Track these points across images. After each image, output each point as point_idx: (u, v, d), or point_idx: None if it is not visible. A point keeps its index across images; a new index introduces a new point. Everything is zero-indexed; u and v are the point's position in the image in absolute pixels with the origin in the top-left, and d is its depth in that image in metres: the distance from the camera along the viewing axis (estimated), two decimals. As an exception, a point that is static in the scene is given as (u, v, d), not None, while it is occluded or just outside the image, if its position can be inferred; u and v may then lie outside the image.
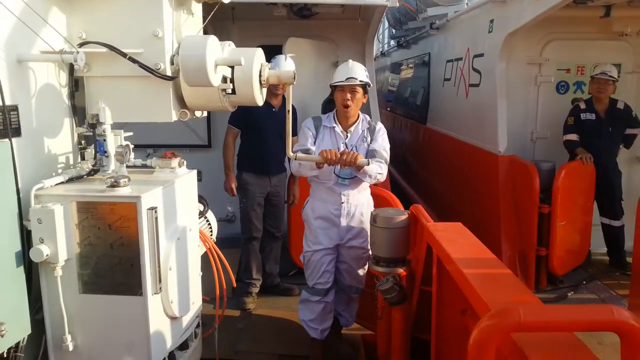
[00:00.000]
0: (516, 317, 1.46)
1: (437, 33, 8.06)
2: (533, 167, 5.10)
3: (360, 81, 3.42)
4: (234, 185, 4.71)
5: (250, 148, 4.74)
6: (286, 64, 4.57)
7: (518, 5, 5.05)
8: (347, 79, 3.41)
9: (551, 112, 5.83)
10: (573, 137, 5.45)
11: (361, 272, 3.68)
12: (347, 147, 3.43)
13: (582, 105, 5.52)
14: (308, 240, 3.64)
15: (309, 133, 3.50)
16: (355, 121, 3.54)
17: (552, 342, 1.57)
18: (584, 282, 5.30)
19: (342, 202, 3.51)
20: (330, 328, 3.78)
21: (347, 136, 3.51)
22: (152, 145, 5.85)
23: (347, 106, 3.41)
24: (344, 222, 3.54)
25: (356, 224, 3.56)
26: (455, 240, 2.57)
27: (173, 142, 6.10)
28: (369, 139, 3.51)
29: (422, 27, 9.20)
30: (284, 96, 4.92)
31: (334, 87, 3.51)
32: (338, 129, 3.51)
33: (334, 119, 3.55)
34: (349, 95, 3.40)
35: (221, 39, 2.42)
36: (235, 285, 3.06)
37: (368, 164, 3.26)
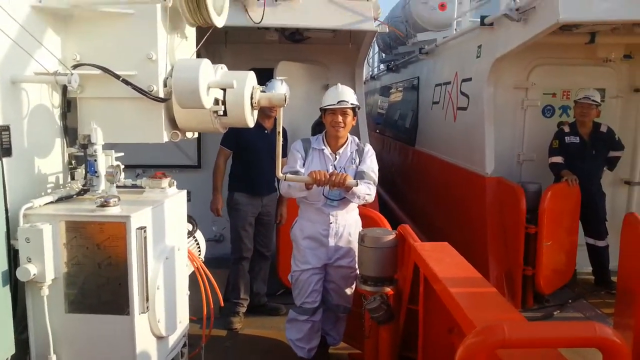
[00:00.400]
0: (501, 334, 1.47)
1: (426, 58, 8.21)
2: (520, 189, 5.17)
3: (352, 104, 3.49)
4: (219, 207, 4.73)
5: (242, 169, 4.77)
6: (281, 87, 4.64)
7: (505, 31, 5.18)
8: (338, 102, 3.47)
9: (537, 135, 5.94)
10: (558, 159, 5.55)
11: (349, 291, 3.69)
12: (335, 169, 3.47)
13: (567, 129, 5.63)
14: (296, 260, 3.64)
15: (298, 155, 3.55)
16: (344, 143, 3.59)
17: (536, 359, 1.58)
18: (570, 301, 5.33)
19: (331, 223, 3.54)
20: (317, 347, 3.75)
21: (336, 158, 3.55)
22: (142, 166, 5.85)
23: (338, 129, 3.47)
24: (332, 242, 3.56)
25: (344, 243, 3.59)
26: (442, 260, 2.59)
27: (163, 162, 6.09)
28: (357, 160, 3.56)
29: (411, 51, 9.37)
30: (276, 118, 4.97)
31: (324, 110, 3.57)
32: (327, 151, 3.56)
33: (323, 141, 3.60)
34: (340, 118, 3.46)
35: (214, 61, 2.46)
36: (222, 304, 3.04)
37: (357, 185, 3.31)
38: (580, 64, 5.86)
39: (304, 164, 3.54)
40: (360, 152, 3.59)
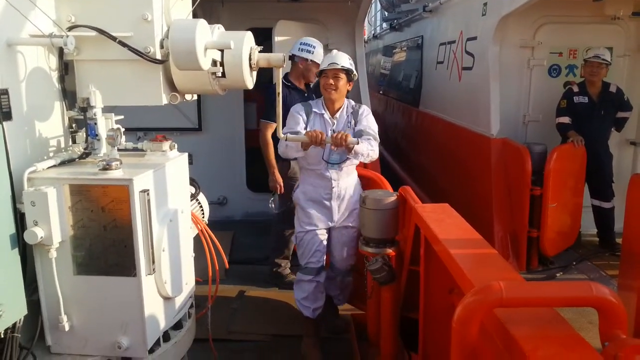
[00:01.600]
0: (498, 294, 1.52)
1: (430, 16, 8.05)
2: (525, 150, 5.18)
3: (342, 67, 3.52)
4: (281, 183, 4.82)
5: None
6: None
7: (512, -13, 5.08)
8: (329, 64, 3.53)
9: (543, 96, 5.90)
10: (566, 119, 5.52)
11: (353, 252, 3.77)
12: (334, 133, 3.49)
13: (575, 89, 5.58)
14: (300, 221, 3.74)
15: (299, 118, 3.59)
16: (341, 107, 3.66)
17: (533, 318, 1.63)
18: (574, 263, 5.42)
19: (333, 187, 3.62)
20: (323, 307, 3.85)
21: (334, 123, 3.63)
22: (142, 129, 5.86)
23: (330, 91, 3.53)
24: (335, 205, 3.65)
25: (346, 205, 3.67)
26: (442, 221, 2.63)
27: (163, 125, 6.10)
28: (353, 122, 3.62)
29: (415, 9, 9.18)
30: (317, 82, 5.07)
31: (319, 75, 3.64)
32: (327, 115, 3.63)
33: (323, 106, 3.66)
34: (331, 80, 3.52)
35: (210, 21, 2.43)
36: (227, 266, 3.11)
37: (357, 143, 3.36)
38: (588, 22, 5.76)
39: (305, 127, 3.57)
40: (355, 114, 3.65)
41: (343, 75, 3.54)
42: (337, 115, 3.64)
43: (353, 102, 3.74)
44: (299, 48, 4.84)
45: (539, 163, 5.15)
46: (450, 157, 6.73)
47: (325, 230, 3.72)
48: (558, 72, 5.97)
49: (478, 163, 5.79)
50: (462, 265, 2.03)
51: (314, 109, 3.64)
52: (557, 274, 5.22)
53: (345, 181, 3.66)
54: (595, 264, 5.46)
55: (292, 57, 4.81)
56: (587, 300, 1.57)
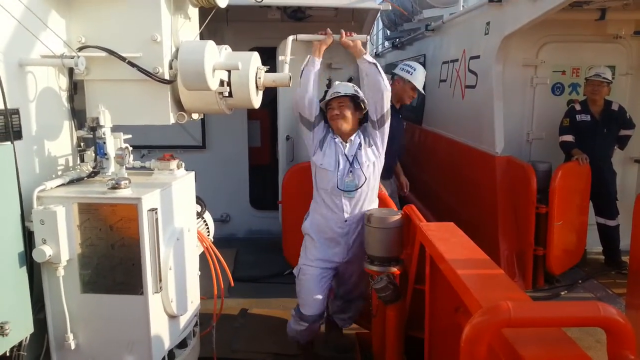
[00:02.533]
0: (506, 314, 1.52)
1: (432, 35, 8.14)
2: (530, 168, 5.19)
3: (345, 94, 3.39)
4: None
5: None
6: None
7: (514, 8, 5.14)
8: (332, 94, 3.44)
9: (547, 114, 5.94)
10: (569, 138, 5.55)
11: (363, 279, 3.64)
12: (348, 159, 3.39)
13: (578, 107, 5.62)
14: (307, 253, 3.53)
15: (319, 131, 3.46)
16: (354, 134, 3.48)
17: (541, 338, 1.64)
18: (580, 281, 5.39)
19: (345, 220, 3.41)
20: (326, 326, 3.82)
21: (346, 146, 3.44)
22: (147, 146, 5.91)
23: (337, 120, 3.38)
24: (344, 242, 3.47)
25: (355, 237, 3.48)
26: (448, 240, 2.64)
27: (168, 143, 6.14)
28: (363, 139, 3.46)
29: (417, 28, 9.27)
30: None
31: (326, 109, 3.49)
32: (338, 139, 3.45)
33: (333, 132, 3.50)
34: (336, 111, 3.39)
35: (215, 40, 2.48)
36: (232, 284, 3.12)
37: (366, 41, 3.29)
38: (590, 41, 5.82)
39: (321, 145, 3.42)
40: (363, 130, 3.51)
41: (349, 103, 3.40)
42: (352, 138, 3.45)
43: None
44: (401, 67, 5.15)
45: (544, 181, 5.16)
46: (454, 175, 6.74)
47: (332, 269, 3.53)
48: (561, 90, 6.02)
49: (483, 181, 5.81)
50: (468, 284, 2.04)
51: (330, 133, 3.47)
52: (562, 293, 5.19)
53: (360, 213, 3.43)
54: (602, 282, 5.43)
55: (392, 76, 5.09)
56: (595, 321, 1.57)
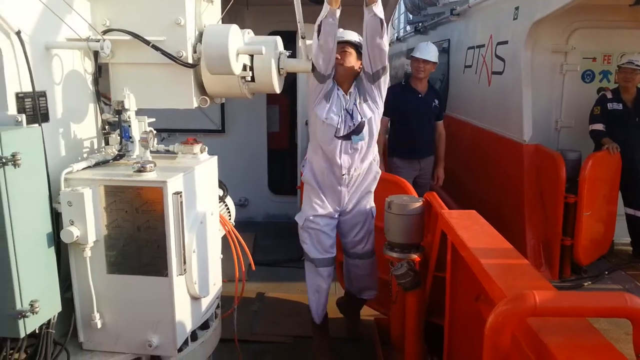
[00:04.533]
0: (532, 302, 1.53)
1: (457, 19, 8.03)
2: (559, 157, 5.14)
3: (349, 40, 3.43)
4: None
5: (400, 134, 5.14)
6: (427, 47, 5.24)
7: (545, -8, 5.05)
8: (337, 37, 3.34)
9: (576, 101, 5.84)
10: (599, 126, 5.46)
11: (366, 235, 3.70)
12: (348, 112, 3.40)
13: (609, 95, 5.52)
14: (313, 202, 3.58)
15: (325, 85, 3.40)
16: (352, 84, 3.50)
17: (566, 328, 1.64)
18: (607, 273, 5.36)
19: (343, 174, 3.48)
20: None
21: (347, 100, 3.45)
22: (167, 130, 5.97)
23: (339, 63, 3.38)
24: (344, 190, 3.55)
25: (356, 190, 3.59)
26: (470, 228, 2.64)
27: (187, 127, 6.20)
28: (359, 94, 3.44)
29: (441, 12, 9.16)
30: (429, 82, 5.45)
31: None
32: (340, 92, 3.46)
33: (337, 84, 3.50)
34: (338, 55, 3.38)
35: (235, 23, 2.48)
36: (254, 267, 3.15)
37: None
38: (623, 27, 5.68)
39: (326, 96, 3.40)
40: (358, 82, 3.46)
41: (351, 50, 3.42)
42: (351, 90, 3.47)
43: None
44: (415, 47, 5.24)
45: (573, 170, 5.11)
46: (478, 162, 6.69)
47: (337, 215, 3.63)
48: (592, 77, 5.90)
49: (509, 169, 5.76)
50: (491, 273, 2.04)
51: (335, 86, 3.47)
52: (585, 284, 5.16)
53: (359, 168, 3.51)
54: (629, 273, 5.39)
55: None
56: (621, 311, 1.57)
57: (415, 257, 3.23)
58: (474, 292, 2.41)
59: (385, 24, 3.18)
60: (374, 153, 3.61)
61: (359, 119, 3.39)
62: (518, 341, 1.70)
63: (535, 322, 1.64)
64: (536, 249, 5.32)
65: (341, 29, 3.43)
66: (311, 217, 3.59)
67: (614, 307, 1.58)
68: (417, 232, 3.27)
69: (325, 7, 3.09)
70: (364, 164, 3.54)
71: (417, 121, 5.27)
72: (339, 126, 3.38)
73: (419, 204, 3.26)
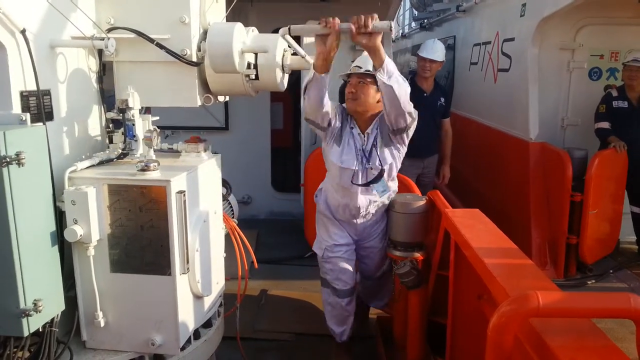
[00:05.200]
0: (535, 303, 1.53)
1: (463, 16, 8.01)
2: (566, 155, 5.13)
3: (367, 71, 2.94)
4: None
5: None
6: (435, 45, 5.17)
7: (553, -11, 5.04)
8: (352, 67, 3.06)
9: (583, 99, 5.81)
10: (605, 125, 5.44)
11: (381, 262, 3.59)
12: (364, 155, 3.11)
13: (615, 93, 5.50)
14: (329, 232, 3.41)
15: (338, 110, 3.11)
16: (373, 122, 3.12)
17: (569, 328, 1.64)
18: (611, 271, 5.35)
19: (360, 213, 3.25)
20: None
21: (364, 141, 3.12)
22: (170, 127, 5.98)
23: (351, 100, 3.02)
24: (360, 222, 3.34)
25: (371, 223, 3.38)
26: (474, 227, 2.64)
27: (191, 124, 6.21)
28: (379, 131, 3.12)
29: (447, 9, 9.14)
30: (435, 80, 5.42)
31: (345, 83, 3.18)
32: (356, 130, 3.13)
33: (351, 120, 3.16)
34: (353, 89, 3.02)
35: (239, 20, 2.48)
36: (256, 265, 3.16)
37: (390, 29, 2.47)
38: (631, 24, 5.64)
39: (337, 137, 3.12)
40: (381, 121, 3.10)
41: (370, 82, 2.95)
42: (369, 130, 3.11)
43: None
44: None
45: (580, 168, 5.10)
46: (483, 160, 6.67)
47: (353, 243, 3.45)
48: (599, 75, 5.87)
49: (515, 167, 5.74)
50: (495, 272, 2.04)
51: (349, 123, 3.12)
52: (589, 282, 5.15)
53: (376, 204, 3.28)
54: (635, 272, 5.38)
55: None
56: (625, 312, 1.57)
57: (418, 255, 3.23)
58: (476, 291, 2.41)
59: (400, 84, 2.74)
60: (393, 189, 3.35)
61: (377, 165, 3.07)
62: (520, 342, 1.70)
63: (538, 322, 1.65)
64: (542, 248, 5.32)
65: (365, 53, 2.88)
66: (331, 246, 3.40)
67: (618, 308, 1.57)
68: (421, 230, 3.27)
69: (311, 72, 2.69)
70: (381, 200, 3.29)
71: (422, 121, 5.17)
72: (356, 168, 3.08)
73: (422, 202, 3.26)
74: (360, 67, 3.01)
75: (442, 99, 5.44)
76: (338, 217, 3.37)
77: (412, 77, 5.47)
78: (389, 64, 2.64)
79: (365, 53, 2.90)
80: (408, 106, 2.86)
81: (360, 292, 3.90)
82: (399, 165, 3.28)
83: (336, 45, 2.52)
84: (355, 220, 3.32)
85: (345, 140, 3.09)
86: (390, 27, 2.46)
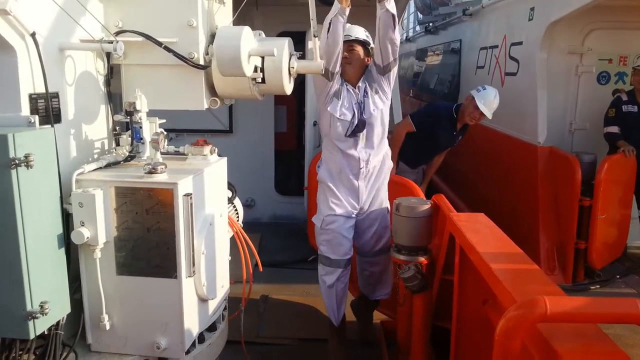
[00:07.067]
0: (542, 308, 1.54)
1: (470, 19, 8.02)
2: (575, 159, 5.14)
3: (356, 38, 3.53)
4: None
5: (415, 148, 5.21)
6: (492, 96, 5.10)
7: (563, -7, 5.06)
8: (345, 35, 3.43)
9: (591, 103, 5.83)
10: (614, 129, 5.46)
11: (384, 235, 3.74)
12: (359, 106, 3.50)
13: (624, 97, 5.52)
14: (330, 202, 3.62)
15: (334, 83, 3.51)
16: (361, 79, 3.60)
17: (576, 334, 1.64)
18: (618, 277, 5.36)
19: (361, 167, 3.56)
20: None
21: (357, 93, 3.55)
22: (174, 130, 6.00)
23: (347, 62, 3.50)
24: (362, 184, 3.61)
25: (373, 184, 3.65)
26: (479, 231, 2.65)
27: (195, 127, 6.24)
28: (367, 83, 3.55)
29: (453, 13, 9.16)
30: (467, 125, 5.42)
31: None
32: (349, 86, 3.56)
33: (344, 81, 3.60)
34: (346, 53, 3.49)
35: (243, 24, 2.50)
36: (261, 269, 3.16)
37: None
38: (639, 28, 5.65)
39: (336, 93, 3.49)
40: (367, 74, 3.59)
41: (358, 47, 3.54)
42: (360, 84, 3.58)
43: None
44: (478, 88, 5.11)
45: (588, 173, 5.11)
46: (491, 164, 6.68)
47: (354, 214, 3.66)
48: (607, 79, 5.89)
49: (523, 171, 5.75)
50: (501, 277, 2.05)
51: (344, 83, 3.56)
52: (595, 287, 5.15)
53: (375, 159, 3.61)
54: None
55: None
56: (632, 317, 1.58)
57: (422, 259, 3.24)
58: (481, 296, 2.42)
59: (397, 19, 3.30)
60: (386, 146, 3.72)
61: (371, 111, 3.50)
62: (527, 347, 1.70)
63: (545, 327, 1.65)
64: (550, 253, 5.33)
65: (348, 25, 3.48)
66: (329, 216, 3.61)
67: (625, 313, 1.59)
68: (425, 234, 3.28)
69: (336, 6, 3.21)
70: (378, 155, 3.64)
71: (437, 149, 5.43)
72: (353, 120, 3.48)
73: (427, 206, 3.28)
74: (351, 36, 3.53)
75: (461, 137, 5.41)
76: (339, 183, 3.61)
77: (456, 112, 5.21)
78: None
79: (348, 26, 3.45)
80: (397, 34, 3.36)
81: (361, 285, 3.92)
82: (387, 113, 3.64)
83: None
84: (356, 183, 3.58)
85: (344, 94, 3.53)
86: None
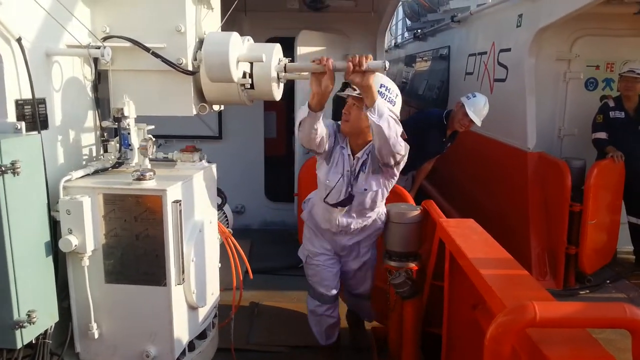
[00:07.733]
0: (532, 313, 1.55)
1: (458, 26, 8.08)
2: (565, 165, 5.18)
3: (358, 95, 2.87)
4: None
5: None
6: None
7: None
8: (348, 89, 2.99)
9: (579, 109, 5.90)
10: (602, 135, 5.52)
11: (366, 280, 3.59)
12: (351, 175, 3.08)
13: (611, 103, 5.58)
14: (312, 240, 3.44)
15: (330, 130, 3.06)
16: (366, 146, 3.07)
17: (566, 339, 1.66)
18: (608, 281, 5.41)
19: (340, 230, 3.26)
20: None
21: (352, 164, 3.09)
22: (163, 136, 5.96)
23: (345, 120, 3.02)
24: (342, 239, 3.34)
25: (359, 238, 3.35)
26: (468, 237, 2.67)
27: (184, 133, 6.22)
28: (369, 158, 3.06)
29: (441, 19, 9.23)
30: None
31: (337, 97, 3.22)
32: (346, 151, 3.09)
33: (346, 139, 3.14)
34: (347, 111, 3.01)
35: (232, 29, 2.50)
36: (251, 276, 3.15)
37: (385, 68, 2.42)
38: (627, 35, 5.75)
39: (328, 155, 3.09)
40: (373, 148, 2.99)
41: (362, 104, 2.78)
42: (360, 155, 3.07)
43: None
44: (467, 95, 5.16)
45: (578, 178, 5.14)
46: (480, 170, 6.72)
47: (337, 255, 3.45)
48: (595, 85, 5.97)
49: (512, 177, 5.79)
50: (490, 282, 2.06)
51: (340, 142, 3.11)
52: (585, 292, 5.20)
53: (358, 224, 3.24)
54: (633, 282, 5.43)
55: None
56: (621, 322, 1.60)
57: (413, 265, 3.25)
58: (471, 301, 2.43)
59: (390, 124, 2.69)
60: (378, 212, 3.30)
61: (362, 190, 3.05)
62: (517, 352, 1.71)
63: (535, 332, 1.67)
64: (541, 258, 5.35)
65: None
66: (312, 254, 3.45)
67: (614, 318, 1.60)
68: (415, 240, 3.29)
69: (305, 109, 2.71)
70: (365, 222, 3.26)
71: (428, 156, 5.52)
72: (342, 189, 3.07)
73: (417, 212, 3.29)
74: (356, 89, 2.92)
75: (449, 144, 5.52)
76: (320, 231, 3.40)
77: (445, 120, 5.29)
78: (380, 104, 2.64)
79: None
80: (397, 146, 2.82)
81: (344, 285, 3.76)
82: (387, 194, 3.23)
83: (331, 84, 2.51)
84: (334, 238, 3.35)
85: (335, 159, 3.09)
86: (385, 66, 2.43)
